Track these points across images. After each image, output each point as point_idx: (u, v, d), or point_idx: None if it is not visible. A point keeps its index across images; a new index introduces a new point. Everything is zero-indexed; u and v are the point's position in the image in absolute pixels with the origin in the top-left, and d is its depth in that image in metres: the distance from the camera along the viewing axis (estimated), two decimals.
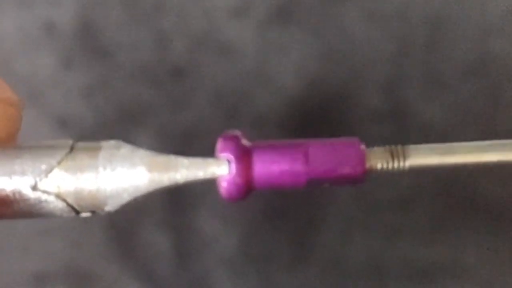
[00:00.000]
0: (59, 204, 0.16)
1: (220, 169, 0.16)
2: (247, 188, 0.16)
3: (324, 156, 0.16)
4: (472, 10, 0.35)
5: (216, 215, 0.35)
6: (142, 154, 0.16)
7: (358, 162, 0.16)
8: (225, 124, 0.35)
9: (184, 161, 0.17)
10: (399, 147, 0.16)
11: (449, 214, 0.34)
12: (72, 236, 0.35)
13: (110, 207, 0.17)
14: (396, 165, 0.16)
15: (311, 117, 0.35)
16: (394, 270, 0.34)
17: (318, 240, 0.35)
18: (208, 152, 0.35)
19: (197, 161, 0.17)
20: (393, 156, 0.16)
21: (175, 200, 0.35)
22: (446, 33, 0.35)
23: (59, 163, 0.16)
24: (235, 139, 0.16)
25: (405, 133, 0.35)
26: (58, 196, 0.16)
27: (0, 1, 0.35)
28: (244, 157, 0.16)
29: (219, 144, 0.16)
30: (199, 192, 0.35)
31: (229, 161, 0.16)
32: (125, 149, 0.16)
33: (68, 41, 0.35)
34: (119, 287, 0.35)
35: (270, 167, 0.16)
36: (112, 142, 0.17)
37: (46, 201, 0.16)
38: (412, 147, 0.16)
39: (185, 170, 0.17)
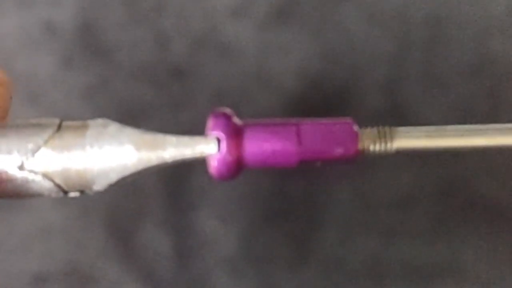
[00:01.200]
0: (47, 184, 0.16)
1: (209, 147, 0.16)
2: (237, 166, 0.16)
3: (317, 136, 0.16)
4: (472, 10, 0.35)
5: (216, 215, 0.35)
6: (130, 132, 0.16)
7: (350, 142, 0.16)
8: None
9: (172, 139, 0.16)
10: (387, 128, 0.16)
11: (449, 214, 0.34)
12: (72, 236, 0.35)
13: (98, 186, 0.16)
14: (383, 147, 0.16)
15: (311, 117, 0.35)
16: (394, 270, 0.34)
17: (318, 240, 0.35)
18: None
19: (186, 139, 0.16)
20: (380, 137, 0.16)
21: (175, 200, 0.35)
22: (446, 33, 0.35)
23: (46, 142, 0.16)
24: (226, 116, 0.16)
25: None
26: (45, 175, 0.16)
27: (0, 1, 0.35)
28: (234, 135, 0.16)
29: (209, 122, 0.16)
30: (199, 192, 0.35)
31: (219, 139, 0.16)
32: (113, 127, 0.16)
33: (68, 41, 0.35)
34: (119, 287, 0.35)
35: (261, 146, 0.16)
36: (99, 121, 0.16)
37: (33, 181, 0.16)
38: (400, 129, 0.16)
39: (173, 148, 0.16)
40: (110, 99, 0.35)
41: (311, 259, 0.35)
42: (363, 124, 0.35)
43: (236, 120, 0.15)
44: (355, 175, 0.35)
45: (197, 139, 0.16)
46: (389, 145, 0.16)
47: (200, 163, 0.36)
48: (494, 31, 0.35)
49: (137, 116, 0.35)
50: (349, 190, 0.35)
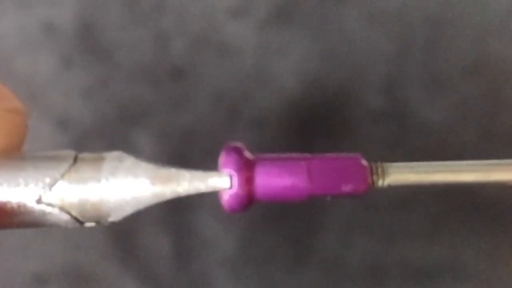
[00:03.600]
0: (64, 216, 0.16)
1: (222, 182, 0.16)
2: (248, 201, 0.16)
3: (326, 172, 0.16)
4: (472, 10, 0.35)
5: (216, 216, 0.35)
6: (145, 166, 0.16)
7: (360, 179, 0.16)
8: (225, 124, 0.35)
9: (186, 174, 0.17)
10: (379, 164, 0.16)
11: (449, 215, 0.34)
12: (72, 237, 0.35)
13: (113, 218, 0.17)
14: (378, 183, 0.16)
15: (311, 117, 0.35)
16: (393, 270, 0.34)
17: (318, 240, 0.35)
18: (207, 152, 0.35)
19: (199, 174, 0.16)
20: (373, 174, 0.16)
21: (175, 200, 0.35)
22: (446, 33, 0.35)
23: (62, 175, 0.16)
24: (238, 152, 0.16)
25: (405, 133, 0.35)
26: (62, 208, 0.16)
27: (0, 1, 0.35)
28: (246, 171, 0.16)
29: (222, 157, 0.16)
30: None
31: (231, 175, 0.16)
32: (128, 161, 0.16)
33: (68, 41, 0.35)
34: (119, 287, 0.35)
35: (272, 181, 0.16)
36: (115, 154, 0.16)
37: (50, 213, 0.16)
38: (392, 164, 0.16)
39: (187, 182, 0.17)
40: (110, 99, 0.35)
41: (311, 259, 0.35)
42: (363, 124, 0.35)
43: (248, 154, 0.16)
44: None
45: (210, 174, 0.16)
46: (380, 181, 0.16)
47: (200, 164, 0.36)
48: (494, 31, 0.35)
49: (137, 116, 0.35)
50: None
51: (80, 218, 0.16)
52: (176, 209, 0.35)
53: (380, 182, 0.16)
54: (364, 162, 0.16)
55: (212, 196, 0.35)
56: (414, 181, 0.16)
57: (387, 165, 0.16)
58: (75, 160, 0.16)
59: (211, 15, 0.35)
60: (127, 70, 0.35)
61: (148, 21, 0.35)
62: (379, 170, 0.16)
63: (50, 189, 0.16)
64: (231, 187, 0.16)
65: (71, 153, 0.16)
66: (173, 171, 0.17)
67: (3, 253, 0.35)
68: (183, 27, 0.35)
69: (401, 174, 0.16)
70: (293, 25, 0.35)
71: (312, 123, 0.35)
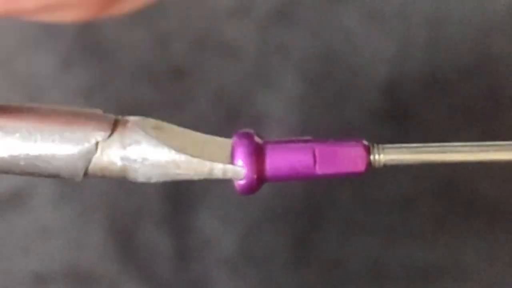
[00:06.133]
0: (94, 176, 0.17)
1: (237, 174, 0.18)
2: (258, 182, 0.18)
3: (330, 153, 0.18)
4: (472, 10, 0.35)
5: (216, 215, 0.35)
6: (180, 135, 0.18)
7: (360, 159, 0.18)
8: (225, 124, 0.35)
9: (206, 164, 0.18)
10: (376, 145, 0.18)
11: (449, 215, 0.34)
12: (72, 236, 0.35)
13: (142, 178, 0.17)
14: (375, 161, 0.18)
15: (311, 117, 0.35)
16: (394, 270, 0.34)
17: (318, 240, 0.35)
18: None
19: (216, 165, 0.18)
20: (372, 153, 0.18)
21: (175, 200, 0.35)
22: (446, 33, 0.35)
23: (104, 137, 0.17)
24: (248, 137, 0.18)
25: (405, 133, 0.35)
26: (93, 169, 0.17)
27: None
28: (256, 154, 0.17)
29: (234, 142, 0.18)
30: (199, 192, 0.35)
31: (242, 160, 0.17)
32: (167, 127, 0.18)
33: (68, 41, 0.35)
34: (119, 287, 0.35)
35: (280, 163, 0.18)
36: (152, 121, 0.18)
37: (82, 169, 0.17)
38: (387, 145, 0.18)
39: (204, 173, 0.18)
40: (110, 99, 0.35)
41: (311, 259, 0.35)
42: (363, 124, 0.35)
43: (257, 139, 0.18)
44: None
45: (227, 167, 0.18)
46: (378, 161, 0.18)
47: None
48: (494, 31, 0.35)
49: (137, 116, 0.35)
50: (349, 190, 0.35)
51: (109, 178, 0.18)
52: (176, 209, 0.35)
53: (377, 162, 0.17)
54: (364, 143, 0.17)
55: (213, 196, 0.35)
56: (410, 159, 0.17)
57: (383, 146, 0.18)
58: (116, 122, 0.17)
59: (211, 15, 0.35)
60: (127, 70, 0.35)
61: (148, 21, 0.35)
62: (376, 150, 0.18)
63: (95, 149, 0.17)
64: (244, 178, 0.18)
65: (111, 116, 0.17)
66: (194, 161, 0.18)
67: (3, 253, 0.35)
68: (183, 27, 0.35)
69: (397, 154, 0.18)
70: (293, 25, 0.35)
71: (312, 123, 0.35)
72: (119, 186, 0.35)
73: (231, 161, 0.18)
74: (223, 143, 0.18)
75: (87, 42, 0.35)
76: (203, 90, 0.35)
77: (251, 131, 0.18)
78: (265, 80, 0.35)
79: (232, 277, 0.35)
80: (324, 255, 0.35)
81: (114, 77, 0.35)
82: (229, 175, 0.18)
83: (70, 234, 0.35)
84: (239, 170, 0.18)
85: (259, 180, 0.18)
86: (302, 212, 0.35)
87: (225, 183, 0.35)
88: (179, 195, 0.35)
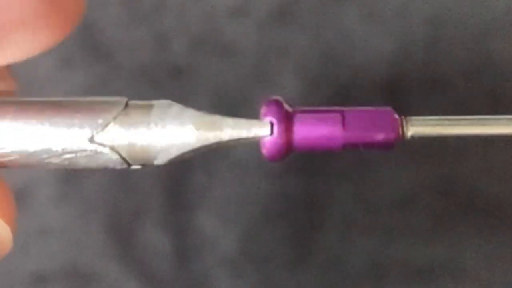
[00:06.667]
0: (113, 156, 0.17)
1: (263, 130, 0.17)
2: (287, 149, 0.17)
3: (360, 122, 0.17)
4: (472, 10, 0.35)
5: (216, 215, 0.35)
6: (191, 113, 0.18)
7: (390, 129, 0.17)
8: None
9: (229, 121, 0.18)
10: (403, 117, 0.18)
11: (449, 214, 0.34)
12: (72, 236, 0.35)
13: (159, 160, 0.18)
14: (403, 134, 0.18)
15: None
16: (393, 270, 0.34)
17: (318, 240, 0.35)
18: (207, 152, 0.35)
19: (242, 121, 0.18)
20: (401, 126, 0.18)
21: (175, 199, 0.35)
22: (446, 33, 0.35)
23: (114, 118, 0.17)
24: (278, 103, 0.18)
25: None
26: (112, 148, 0.17)
27: None
28: (285, 120, 0.17)
29: (263, 108, 0.18)
30: (199, 192, 0.35)
31: (272, 124, 0.17)
32: (176, 108, 0.18)
33: (68, 41, 0.35)
34: (119, 287, 0.35)
35: (309, 130, 0.17)
36: (164, 101, 0.18)
37: (101, 152, 0.17)
38: (415, 118, 0.18)
39: (230, 129, 0.18)
40: None
41: (311, 259, 0.35)
42: None
43: (287, 106, 0.18)
44: (355, 175, 0.35)
45: (253, 122, 0.18)
46: (406, 132, 0.18)
47: (200, 163, 0.36)
48: (494, 31, 0.35)
49: None
50: (349, 190, 0.35)
51: (128, 159, 0.17)
52: (176, 209, 0.35)
53: (406, 133, 0.18)
54: (395, 114, 0.18)
55: (213, 195, 0.35)
56: (437, 133, 0.18)
57: (411, 118, 0.18)
58: (126, 105, 0.17)
59: (211, 15, 0.35)
60: (127, 70, 0.35)
61: (148, 21, 0.35)
62: (404, 122, 0.18)
63: (102, 130, 0.17)
64: (271, 134, 0.17)
65: (123, 98, 0.18)
66: (217, 118, 0.18)
67: None
68: (183, 27, 0.35)
69: (424, 127, 0.18)
70: (293, 25, 0.35)
71: None
72: (119, 186, 0.35)
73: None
74: (248, 122, 0.18)
75: (87, 42, 0.35)
76: (202, 89, 0.35)
77: (280, 98, 0.18)
78: (265, 80, 0.35)
79: (232, 277, 0.35)
80: (324, 255, 0.35)
81: (114, 77, 0.35)
82: (255, 131, 0.17)
83: (70, 233, 0.35)
84: (266, 125, 0.17)
85: (288, 146, 0.17)
86: (302, 212, 0.35)
87: (226, 183, 0.35)
88: (179, 195, 0.35)
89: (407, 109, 0.35)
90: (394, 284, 0.34)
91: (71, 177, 0.35)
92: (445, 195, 0.34)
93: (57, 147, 0.17)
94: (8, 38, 0.16)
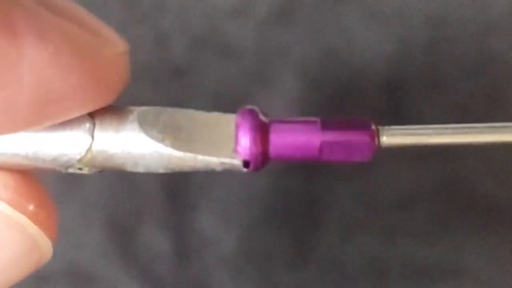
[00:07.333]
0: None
1: (237, 166, 0.17)
2: (263, 161, 0.17)
3: (337, 127, 0.17)
4: (472, 10, 0.35)
5: (216, 215, 0.35)
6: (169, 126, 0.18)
7: (367, 150, 0.17)
8: None
9: (200, 157, 0.17)
10: (380, 127, 0.17)
11: (449, 214, 0.34)
12: (72, 236, 0.35)
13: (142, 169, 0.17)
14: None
15: (312, 115, 0.35)
16: (394, 270, 0.34)
17: (318, 240, 0.35)
18: None
19: (213, 160, 0.17)
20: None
21: (175, 200, 0.35)
22: (446, 33, 0.35)
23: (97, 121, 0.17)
24: (253, 113, 0.17)
25: None
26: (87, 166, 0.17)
27: None
28: (261, 132, 0.17)
29: (237, 119, 0.17)
30: (199, 192, 0.35)
31: (246, 137, 0.17)
32: (166, 114, 0.18)
33: None
34: (119, 287, 0.35)
35: (285, 143, 0.17)
36: (150, 110, 0.18)
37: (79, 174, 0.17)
38: (388, 127, 0.17)
39: (202, 164, 0.17)
40: None
41: (311, 259, 0.35)
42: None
43: (262, 117, 0.17)
44: (355, 175, 0.35)
45: (226, 160, 0.17)
46: (382, 142, 0.17)
47: None
48: (494, 31, 0.35)
49: None
50: (349, 190, 0.35)
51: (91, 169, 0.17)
52: (176, 209, 0.35)
53: (382, 143, 0.17)
54: (372, 128, 0.17)
55: (213, 195, 0.35)
56: (411, 143, 0.17)
57: (386, 127, 0.17)
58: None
59: (211, 15, 0.35)
60: None
61: (148, 21, 0.35)
62: (380, 131, 0.17)
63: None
64: (246, 167, 0.17)
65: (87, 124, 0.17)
66: (189, 156, 0.17)
67: None
68: (183, 27, 0.35)
69: (400, 136, 0.17)
70: (293, 25, 0.35)
71: None
72: (119, 186, 0.35)
73: (235, 138, 0.17)
74: (227, 121, 0.18)
75: None
76: (202, 89, 0.35)
77: (255, 107, 0.17)
78: (265, 80, 0.35)
79: (232, 276, 0.35)
80: (324, 254, 0.35)
81: None
82: (228, 167, 0.17)
83: (70, 233, 0.35)
84: (238, 165, 0.17)
85: (263, 158, 0.17)
86: (302, 212, 0.35)
87: (226, 183, 0.35)
88: (179, 195, 0.35)
89: (407, 109, 0.35)
90: (394, 284, 0.34)
91: (71, 177, 0.35)
92: (445, 195, 0.34)
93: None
94: (50, 108, 0.16)
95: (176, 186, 0.35)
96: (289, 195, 0.35)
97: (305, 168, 0.35)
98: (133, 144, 0.17)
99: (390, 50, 0.35)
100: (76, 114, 0.17)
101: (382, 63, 0.35)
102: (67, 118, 0.16)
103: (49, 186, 0.35)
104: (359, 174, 0.35)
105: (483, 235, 0.34)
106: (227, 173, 0.35)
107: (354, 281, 0.34)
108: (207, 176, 0.35)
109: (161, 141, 0.17)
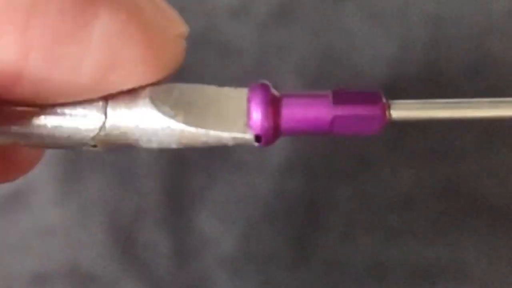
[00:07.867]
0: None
1: (248, 140, 0.17)
2: (274, 135, 0.17)
3: (348, 99, 0.17)
4: (472, 10, 0.35)
5: (216, 215, 0.35)
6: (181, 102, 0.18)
7: (377, 122, 0.17)
8: None
9: (212, 133, 0.17)
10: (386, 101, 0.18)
11: (450, 214, 0.34)
12: (72, 236, 0.35)
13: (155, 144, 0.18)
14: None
15: None
16: (394, 270, 0.34)
17: (318, 240, 0.35)
18: (207, 152, 0.35)
19: (225, 134, 0.17)
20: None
21: (175, 200, 0.35)
22: (446, 33, 0.35)
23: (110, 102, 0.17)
24: (264, 88, 0.18)
25: (404, 133, 0.35)
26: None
27: None
28: (272, 105, 0.17)
29: (249, 93, 0.18)
30: (198, 192, 0.35)
31: (256, 136, 0.17)
32: (177, 90, 0.18)
33: None
34: (119, 287, 0.35)
35: (296, 116, 0.17)
36: (161, 88, 0.18)
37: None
38: (397, 101, 0.18)
39: (214, 139, 0.17)
40: None
41: (311, 259, 0.35)
42: None
43: (274, 91, 0.18)
44: (355, 175, 0.35)
45: (239, 129, 0.18)
46: (388, 117, 0.18)
47: (200, 164, 0.36)
48: (494, 31, 0.35)
49: None
50: (349, 190, 0.35)
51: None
52: (176, 209, 0.35)
53: (391, 116, 0.17)
54: (383, 101, 0.17)
55: (212, 195, 0.35)
56: (419, 117, 0.17)
57: (394, 101, 0.17)
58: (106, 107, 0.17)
59: (211, 15, 0.35)
60: None
61: None
62: (389, 105, 0.17)
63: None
64: (257, 142, 0.17)
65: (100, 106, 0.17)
66: (201, 131, 0.17)
67: (3, 252, 0.35)
68: None
69: (407, 110, 0.17)
70: (293, 24, 0.35)
71: None
72: (119, 186, 0.35)
73: (247, 113, 0.17)
74: (238, 96, 0.18)
75: None
76: None
77: (267, 82, 0.17)
78: (265, 80, 0.35)
79: (232, 277, 0.35)
80: (324, 255, 0.35)
81: None
82: (240, 142, 0.17)
83: (70, 233, 0.35)
84: (250, 139, 0.17)
85: (274, 132, 0.17)
86: (302, 212, 0.35)
87: (226, 183, 0.35)
88: (179, 195, 0.35)
89: None
90: (394, 284, 0.34)
91: (71, 177, 0.35)
92: (445, 195, 0.34)
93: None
94: (109, 76, 0.16)
95: (176, 186, 0.35)
96: (289, 195, 0.35)
97: (305, 169, 0.35)
98: (145, 121, 0.17)
99: (390, 50, 0.35)
100: (130, 86, 0.17)
101: (382, 63, 0.35)
102: (121, 89, 0.17)
103: (49, 186, 0.35)
104: (359, 174, 0.35)
105: (484, 235, 0.34)
106: (227, 173, 0.35)
107: (355, 281, 0.34)
108: (207, 176, 0.35)
109: (173, 117, 0.17)
